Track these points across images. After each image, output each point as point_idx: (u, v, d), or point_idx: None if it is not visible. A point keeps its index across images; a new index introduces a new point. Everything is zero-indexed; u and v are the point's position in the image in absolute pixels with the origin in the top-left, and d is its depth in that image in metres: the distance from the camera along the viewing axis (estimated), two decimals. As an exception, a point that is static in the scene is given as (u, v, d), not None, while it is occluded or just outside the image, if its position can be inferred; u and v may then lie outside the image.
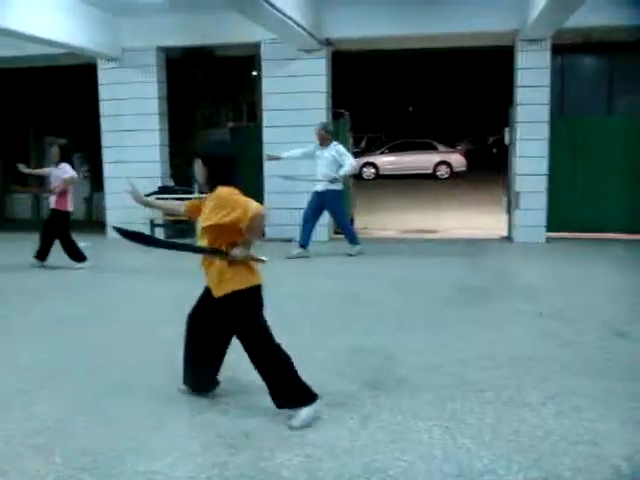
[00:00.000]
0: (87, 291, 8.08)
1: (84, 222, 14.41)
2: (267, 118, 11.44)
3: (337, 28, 10.90)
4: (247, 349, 4.07)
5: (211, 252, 4.00)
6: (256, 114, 13.58)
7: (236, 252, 3.89)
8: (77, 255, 9.27)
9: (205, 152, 4.11)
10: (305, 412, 3.93)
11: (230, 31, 11.01)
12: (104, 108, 12.00)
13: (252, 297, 4.03)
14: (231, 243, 3.93)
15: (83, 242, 11.32)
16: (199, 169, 4.05)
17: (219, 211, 3.85)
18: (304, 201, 10.03)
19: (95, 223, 14.06)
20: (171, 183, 11.86)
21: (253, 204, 3.79)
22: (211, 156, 4.05)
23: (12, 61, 12.58)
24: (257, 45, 11.29)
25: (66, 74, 13.47)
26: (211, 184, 4.00)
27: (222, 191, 3.91)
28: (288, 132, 11.14)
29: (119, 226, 4.28)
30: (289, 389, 4.00)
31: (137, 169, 11.83)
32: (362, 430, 3.85)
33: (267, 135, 11.40)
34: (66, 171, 8.92)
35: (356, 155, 20.02)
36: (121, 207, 11.92)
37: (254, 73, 13.72)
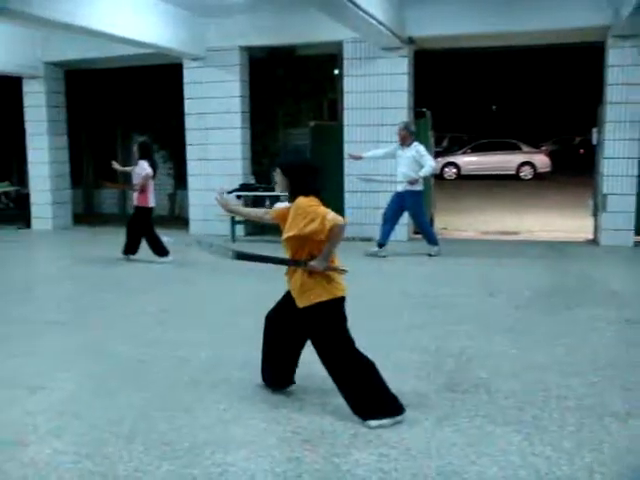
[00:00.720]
0: (169, 286, 8.28)
1: (167, 218, 14.79)
2: (348, 117, 11.44)
3: (420, 26, 10.78)
4: (323, 358, 4.08)
5: (291, 263, 4.04)
6: (337, 113, 13.60)
7: (315, 263, 3.90)
8: (160, 250, 9.52)
9: (284, 162, 4.18)
10: (386, 420, 3.90)
11: (312, 30, 11.06)
12: (188, 106, 12.27)
13: (334, 309, 4.01)
14: (311, 254, 3.94)
15: (166, 237, 11.65)
16: (279, 179, 4.10)
17: (299, 222, 3.87)
18: (384, 200, 9.99)
19: (178, 219, 14.41)
20: (252, 181, 12.01)
21: (331, 215, 3.79)
22: (290, 166, 4.09)
23: (101, 62, 13.03)
24: (339, 44, 11.30)
25: (152, 74, 13.84)
26: (292, 194, 4.03)
27: (301, 201, 3.92)
28: (369, 131, 11.12)
29: (200, 240, 4.34)
30: (368, 399, 3.96)
31: (219, 167, 12.05)
32: (438, 432, 3.80)
33: (348, 134, 11.40)
34: (143, 168, 9.18)
35: (437, 155, 19.87)
36: (203, 204, 12.20)
37: (336, 72, 13.75)
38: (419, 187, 9.61)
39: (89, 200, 16.72)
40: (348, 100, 11.43)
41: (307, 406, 4.18)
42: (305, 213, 3.86)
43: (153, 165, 9.38)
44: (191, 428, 3.88)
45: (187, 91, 12.26)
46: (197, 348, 5.45)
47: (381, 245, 9.75)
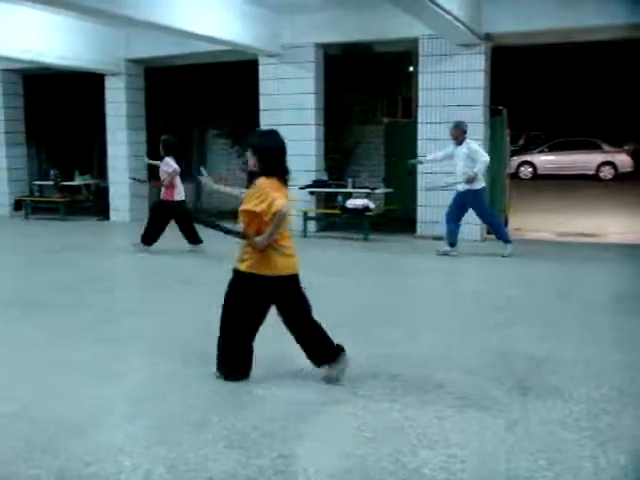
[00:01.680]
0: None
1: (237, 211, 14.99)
2: (422, 114, 11.34)
3: (497, 22, 10.58)
4: (223, 313, 4.52)
5: (239, 236, 4.36)
6: (411, 110, 13.51)
7: (257, 239, 4.22)
8: (194, 238, 9.82)
9: (254, 143, 4.42)
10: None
11: (388, 27, 11.01)
12: (263, 102, 12.41)
13: (255, 284, 4.35)
14: (258, 230, 4.23)
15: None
16: (249, 157, 4.37)
17: (254, 199, 4.22)
18: (449, 199, 9.87)
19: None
20: (325, 177, 12.05)
21: (278, 201, 4.12)
22: (259, 146, 4.36)
23: (179, 59, 13.32)
24: (414, 41, 11.20)
25: (228, 70, 14.05)
26: (260, 173, 4.31)
27: (261, 181, 4.27)
28: (443, 129, 10.96)
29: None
30: (225, 357, 4.51)
31: (292, 162, 11.84)
32: (508, 435, 3.73)
33: (422, 131, 11.30)
34: (170, 165, 9.58)
35: (513, 153, 19.47)
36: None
37: (410, 69, 13.65)
38: (478, 184, 9.43)
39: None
40: (423, 97, 11.33)
41: (372, 403, 4.17)
42: (259, 193, 4.20)
43: (178, 161, 9.78)
44: (259, 420, 3.93)
45: (262, 87, 12.41)
46: (264, 341, 5.51)
47: (452, 245, 9.63)
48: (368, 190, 11.31)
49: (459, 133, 9.47)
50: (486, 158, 9.42)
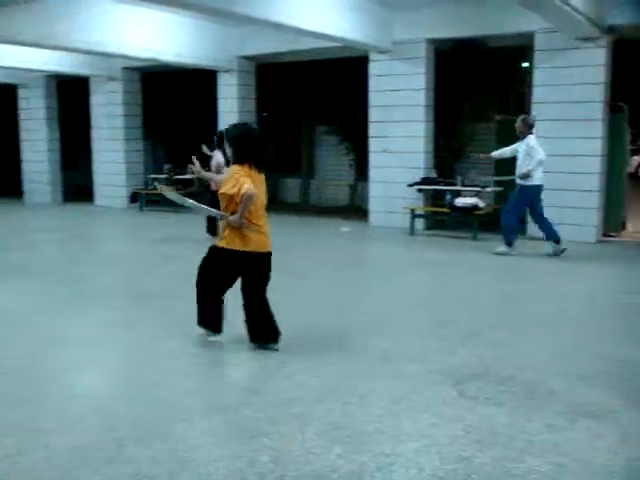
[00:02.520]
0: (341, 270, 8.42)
1: (347, 208, 15.05)
2: (537, 111, 10.94)
3: (621, 14, 10.07)
4: (198, 274, 5.10)
5: (218, 216, 5.02)
6: (524, 107, 13.10)
7: (232, 219, 4.82)
8: (212, 231, 10.13)
9: (230, 133, 5.04)
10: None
11: (502, 21, 10.71)
12: (373, 99, 12.38)
13: (228, 257, 4.95)
14: (233, 211, 4.82)
15: (345, 227, 11.89)
16: (228, 147, 4.96)
17: (228, 184, 4.85)
18: (565, 198, 9.49)
19: (358, 209, 14.61)
20: (434, 174, 11.89)
21: (246, 185, 4.70)
22: (233, 137, 4.97)
23: (290, 55, 13.48)
24: (530, 35, 10.85)
25: (337, 67, 14.10)
26: (233, 160, 4.92)
27: (234, 168, 4.90)
28: (557, 126, 10.58)
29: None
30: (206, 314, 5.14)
31: (401, 159, 12.04)
32: (622, 448, 3.55)
33: (535, 128, 10.88)
34: (217, 158, 10.37)
35: (634, 153, 18.50)
36: (384, 196, 12.29)
37: (524, 64, 13.24)
38: (532, 182, 9.13)
39: (273, 189, 17.37)
40: (537, 93, 10.95)
41: (480, 406, 4.08)
42: (232, 178, 4.83)
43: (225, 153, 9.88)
44: (363, 416, 3.92)
45: (372, 84, 12.37)
46: (372, 336, 5.50)
47: (557, 241, 9.30)
48: (478, 188, 11.07)
49: (522, 127, 9.25)
50: (541, 157, 9.12)
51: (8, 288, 7.44)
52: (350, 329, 5.78)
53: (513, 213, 9.50)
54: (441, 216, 11.71)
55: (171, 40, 12.24)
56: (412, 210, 11.46)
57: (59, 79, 17.20)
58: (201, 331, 5.23)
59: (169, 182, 15.59)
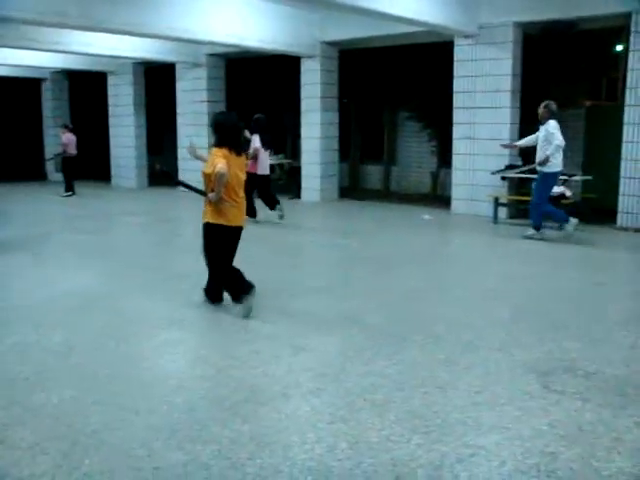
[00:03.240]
0: (422, 261, 8.32)
1: (429, 196, 14.87)
2: (631, 96, 10.45)
3: None
4: (205, 258, 5.83)
5: (200, 193, 5.80)
6: (617, 92, 12.59)
7: (210, 195, 5.53)
8: (272, 203, 11.15)
9: (212, 120, 5.84)
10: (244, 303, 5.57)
11: (595, 2, 10.28)
12: (457, 85, 12.13)
13: (216, 231, 5.64)
14: (212, 189, 5.49)
15: (427, 215, 11.75)
16: (212, 132, 5.69)
17: (208, 165, 5.59)
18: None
19: (439, 197, 14.42)
20: (518, 162, 11.58)
21: (219, 165, 5.37)
22: (214, 123, 5.72)
23: (373, 41, 13.36)
24: (626, 16, 10.36)
25: (419, 52, 13.91)
26: (214, 143, 5.63)
27: (213, 150, 5.60)
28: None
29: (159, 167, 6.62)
30: (230, 289, 5.76)
31: (485, 146, 11.79)
32: None
33: (629, 115, 10.42)
34: (254, 142, 10.85)
35: None
36: (467, 184, 12.07)
37: (618, 47, 12.70)
38: (549, 168, 9.11)
39: (354, 175, 17.36)
40: (632, 78, 10.46)
41: (565, 400, 3.95)
42: (211, 159, 5.56)
43: (263, 140, 10.91)
44: (443, 406, 3.86)
45: (457, 69, 12.12)
46: (454, 326, 5.42)
47: (537, 228, 9.51)
48: (565, 177, 10.71)
49: (545, 113, 9.18)
50: (559, 142, 8.97)
51: (94, 270, 7.69)
52: (432, 318, 5.71)
53: (542, 202, 9.44)
54: (526, 205, 11.39)
55: (255, 26, 12.33)
56: (496, 198, 11.20)
57: (146, 66, 17.64)
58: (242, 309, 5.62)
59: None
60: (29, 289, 6.73)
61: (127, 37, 12.94)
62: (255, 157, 10.74)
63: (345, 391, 4.08)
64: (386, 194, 15.76)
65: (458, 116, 12.20)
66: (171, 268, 7.50)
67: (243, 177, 5.74)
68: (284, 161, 16.15)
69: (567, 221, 9.32)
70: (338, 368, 4.47)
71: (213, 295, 5.99)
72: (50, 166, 18.85)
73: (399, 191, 16.09)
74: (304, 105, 14.45)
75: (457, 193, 12.39)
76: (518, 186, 11.72)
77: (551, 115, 9.19)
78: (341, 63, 14.58)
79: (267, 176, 11.20)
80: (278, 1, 11.99)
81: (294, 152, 17.06)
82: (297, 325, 5.45)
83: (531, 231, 9.57)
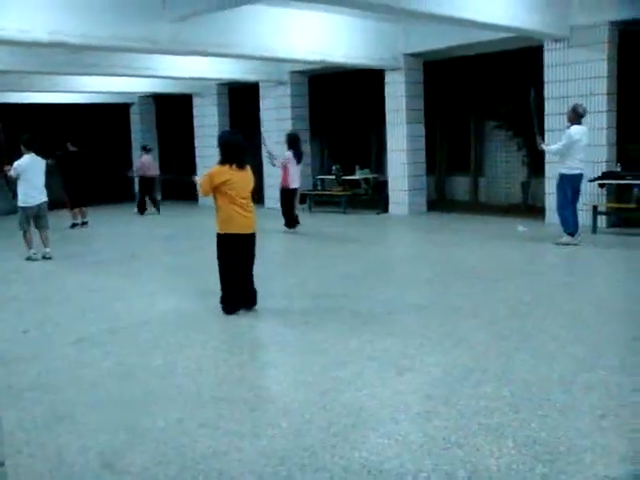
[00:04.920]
0: (524, 276, 7.99)
1: (520, 206, 14.41)
2: None
3: None
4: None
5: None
6: None
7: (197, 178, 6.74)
8: (292, 223, 11.81)
9: (218, 138, 6.36)
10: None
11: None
12: (549, 90, 11.69)
13: (221, 239, 6.18)
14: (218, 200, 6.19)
15: (521, 226, 11.36)
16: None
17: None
18: None
19: (531, 208, 13.94)
20: (617, 169, 11.05)
21: (203, 179, 6.19)
22: (219, 141, 6.25)
23: (458, 50, 13.06)
24: None
25: (505, 59, 13.54)
26: (219, 161, 6.16)
27: (214, 166, 6.24)
28: None
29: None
30: (228, 295, 6.27)
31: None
32: None
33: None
34: (285, 156, 11.68)
35: None
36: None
37: None
38: (566, 170, 9.24)
39: (441, 187, 17.04)
40: None
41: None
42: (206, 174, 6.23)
43: (297, 154, 11.71)
44: (565, 431, 3.61)
45: (547, 74, 11.70)
46: (564, 343, 5.12)
47: (571, 234, 9.36)
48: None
49: (569, 116, 9.33)
50: (558, 146, 9.28)
51: (188, 289, 7.72)
52: (539, 334, 5.42)
53: (560, 202, 9.42)
54: (627, 213, 10.86)
55: (337, 41, 12.29)
56: (594, 207, 10.71)
57: (230, 86, 17.89)
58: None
59: (337, 182, 15.73)
60: (127, 310, 6.81)
61: (212, 59, 13.14)
62: (285, 169, 11.66)
63: (457, 414, 3.88)
64: (475, 206, 15.38)
65: (551, 123, 11.75)
66: (266, 287, 7.43)
67: (249, 188, 6.25)
68: (369, 176, 16.01)
69: (572, 234, 9.29)
70: (446, 389, 4.27)
71: (228, 306, 6.26)
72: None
73: (488, 202, 15.68)
74: (389, 118, 14.30)
75: (552, 203, 11.91)
76: (618, 193, 11.18)
77: (578, 118, 9.19)
78: (426, 74, 14.36)
79: (295, 189, 11.88)
80: (360, 15, 11.90)
81: (379, 166, 16.90)
82: (399, 344, 5.26)
83: (565, 238, 9.41)
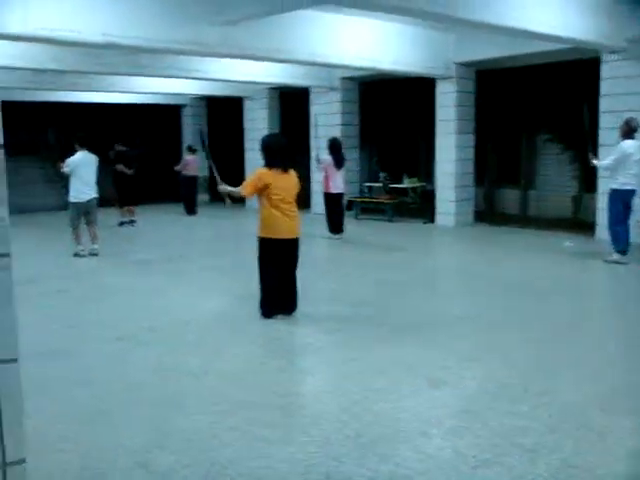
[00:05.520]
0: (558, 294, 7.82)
1: (570, 221, 14.12)
2: None
3: None
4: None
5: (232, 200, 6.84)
6: None
7: (221, 188, 6.61)
8: (336, 228, 11.79)
9: (261, 142, 6.26)
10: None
11: None
12: (605, 104, 11.43)
13: (263, 243, 6.15)
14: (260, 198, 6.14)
15: (568, 241, 11.13)
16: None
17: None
18: None
19: (581, 223, 13.64)
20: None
21: (246, 182, 6.22)
22: (262, 145, 6.21)
23: (511, 60, 12.87)
24: None
25: (559, 70, 13.30)
26: (264, 164, 6.13)
27: (258, 169, 6.25)
28: None
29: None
30: (267, 299, 6.26)
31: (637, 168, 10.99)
32: None
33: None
34: (323, 160, 11.83)
35: None
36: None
37: None
38: (615, 184, 9.10)
39: (490, 199, 16.81)
40: None
41: None
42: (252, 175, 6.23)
43: (337, 160, 11.69)
44: (600, 456, 3.50)
45: (604, 87, 11.44)
46: (608, 365, 4.98)
47: (621, 252, 9.07)
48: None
49: (622, 129, 9.13)
50: (609, 161, 9.09)
51: (232, 291, 7.76)
52: (583, 353, 5.29)
53: (610, 217, 9.25)
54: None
55: (388, 48, 12.23)
56: (643, 223, 10.40)
57: (281, 90, 17.98)
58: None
59: (384, 190, 15.67)
60: (168, 310, 6.88)
61: (263, 63, 13.22)
62: (326, 174, 11.79)
63: (490, 432, 3.79)
64: (523, 219, 15.11)
65: (605, 137, 11.48)
66: (306, 293, 7.43)
67: (293, 192, 6.19)
68: (417, 184, 15.90)
69: (622, 252, 9.02)
70: (482, 405, 4.18)
71: (266, 310, 6.27)
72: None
73: (538, 216, 15.39)
74: (439, 127, 14.16)
75: (603, 218, 11.63)
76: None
77: (631, 131, 8.96)
78: (478, 84, 14.20)
79: (340, 195, 11.96)
80: (411, 22, 11.82)
81: (427, 175, 16.77)
82: (437, 356, 5.19)
83: (615, 255, 9.15)
